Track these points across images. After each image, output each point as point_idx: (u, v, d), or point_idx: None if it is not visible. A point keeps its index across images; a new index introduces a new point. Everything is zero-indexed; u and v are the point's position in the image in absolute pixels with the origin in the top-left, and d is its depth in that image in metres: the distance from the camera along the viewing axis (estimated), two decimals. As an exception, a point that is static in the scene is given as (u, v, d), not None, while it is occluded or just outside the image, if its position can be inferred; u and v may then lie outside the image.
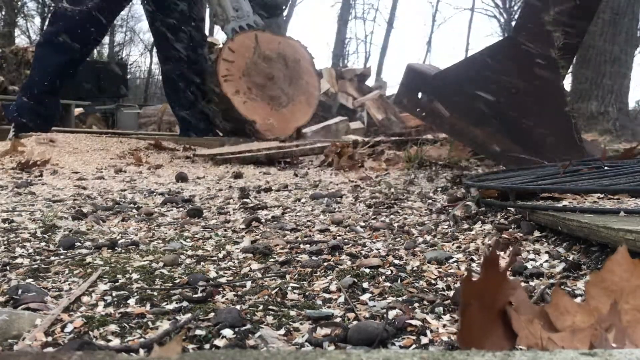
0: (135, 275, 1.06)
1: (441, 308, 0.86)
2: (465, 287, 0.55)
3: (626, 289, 0.57)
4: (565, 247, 1.16)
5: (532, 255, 1.13)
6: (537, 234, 1.27)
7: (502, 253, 1.18)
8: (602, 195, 1.35)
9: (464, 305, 0.54)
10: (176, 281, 1.03)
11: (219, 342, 0.75)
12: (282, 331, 0.79)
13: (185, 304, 0.90)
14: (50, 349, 0.72)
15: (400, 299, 0.91)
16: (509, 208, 1.45)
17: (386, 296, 0.94)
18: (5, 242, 1.30)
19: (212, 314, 0.84)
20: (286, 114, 5.32)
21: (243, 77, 5.07)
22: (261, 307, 0.89)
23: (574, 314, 0.57)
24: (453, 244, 1.28)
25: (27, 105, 4.42)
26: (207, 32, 5.49)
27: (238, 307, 0.88)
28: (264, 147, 3.94)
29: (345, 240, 1.33)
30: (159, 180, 2.71)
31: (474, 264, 1.11)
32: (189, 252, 1.25)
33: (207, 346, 0.75)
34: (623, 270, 0.58)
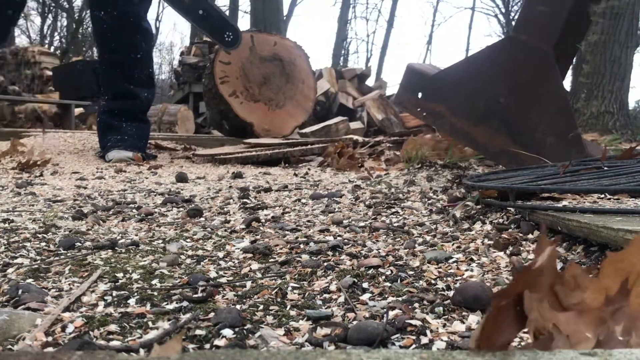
0: (135, 275, 1.06)
1: (441, 308, 0.86)
2: (520, 276, 0.53)
3: None
4: (565, 247, 1.16)
5: (532, 255, 1.13)
6: (536, 233, 1.27)
7: (502, 252, 1.18)
8: (602, 195, 1.35)
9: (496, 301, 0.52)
10: (176, 281, 1.03)
11: (219, 342, 0.75)
12: (282, 331, 0.79)
13: (185, 303, 0.90)
14: (50, 349, 0.72)
15: (400, 298, 0.91)
16: (508, 208, 1.45)
17: (386, 296, 0.94)
18: (5, 242, 1.30)
19: (212, 314, 0.84)
20: (283, 114, 5.33)
21: (240, 78, 5.07)
22: (261, 307, 0.89)
23: (584, 290, 0.56)
24: (453, 244, 1.28)
25: None
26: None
27: (238, 307, 0.88)
28: (264, 146, 3.94)
29: (345, 240, 1.33)
30: (159, 180, 2.71)
31: (473, 264, 1.11)
32: (189, 252, 1.25)
33: (207, 346, 0.75)
34: None
